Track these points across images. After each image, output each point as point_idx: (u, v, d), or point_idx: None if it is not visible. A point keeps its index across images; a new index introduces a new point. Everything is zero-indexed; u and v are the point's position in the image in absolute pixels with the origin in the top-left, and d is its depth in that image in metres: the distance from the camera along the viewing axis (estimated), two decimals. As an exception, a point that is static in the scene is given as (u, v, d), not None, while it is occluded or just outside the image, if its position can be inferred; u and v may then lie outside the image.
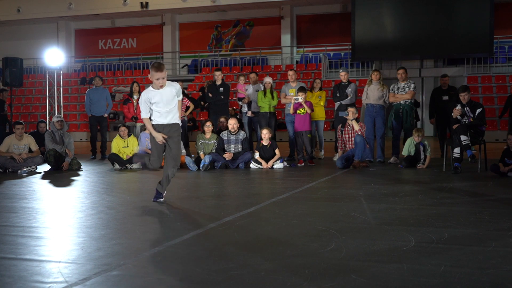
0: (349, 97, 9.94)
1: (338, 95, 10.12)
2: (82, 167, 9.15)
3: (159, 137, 5.35)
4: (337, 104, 10.19)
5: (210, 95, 10.63)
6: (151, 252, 3.43)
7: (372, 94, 9.68)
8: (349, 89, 9.99)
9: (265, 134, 9.04)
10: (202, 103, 13.49)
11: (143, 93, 5.42)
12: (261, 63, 21.84)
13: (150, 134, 5.45)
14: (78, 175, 8.29)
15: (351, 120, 8.85)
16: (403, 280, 2.84)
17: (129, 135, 9.62)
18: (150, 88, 5.40)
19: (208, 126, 9.30)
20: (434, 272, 2.96)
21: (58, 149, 9.13)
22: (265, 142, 9.04)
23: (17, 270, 3.09)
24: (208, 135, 9.25)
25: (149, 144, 9.65)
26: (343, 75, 10.16)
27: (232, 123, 9.14)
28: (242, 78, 11.63)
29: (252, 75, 11.11)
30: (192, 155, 9.50)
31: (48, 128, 10.46)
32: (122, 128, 9.58)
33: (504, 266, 3.07)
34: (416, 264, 3.14)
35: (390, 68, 19.26)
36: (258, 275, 2.95)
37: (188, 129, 11.62)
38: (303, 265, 3.11)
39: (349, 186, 6.91)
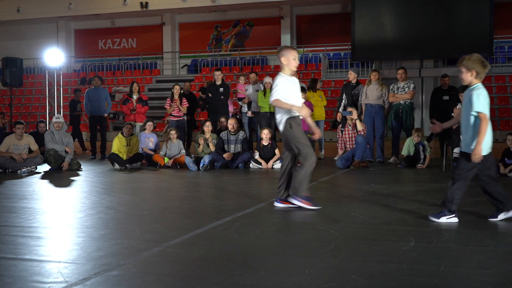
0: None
1: (343, 96, 10.11)
2: (82, 167, 9.15)
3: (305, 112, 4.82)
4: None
5: (210, 95, 10.63)
6: (151, 252, 3.43)
7: (371, 94, 9.69)
8: (356, 91, 10.01)
9: (266, 134, 9.04)
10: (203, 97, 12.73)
11: (281, 77, 4.88)
12: (261, 63, 21.84)
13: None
14: (78, 175, 8.29)
15: (355, 120, 8.85)
16: (403, 280, 2.84)
17: (131, 134, 9.62)
18: (282, 74, 4.96)
19: (208, 126, 9.30)
20: (434, 272, 2.96)
21: (58, 149, 9.13)
22: (265, 142, 9.04)
23: (17, 270, 3.09)
24: (207, 135, 9.25)
25: (149, 144, 9.75)
26: (349, 74, 10.24)
27: (232, 123, 9.14)
28: (242, 78, 11.64)
29: (252, 75, 11.13)
30: (192, 155, 9.50)
31: (48, 128, 10.46)
32: (129, 126, 9.55)
33: (504, 266, 3.07)
34: (416, 264, 3.14)
35: (390, 68, 19.26)
36: (258, 275, 2.95)
37: (188, 129, 11.60)
38: (303, 265, 3.11)
39: (349, 186, 6.91)
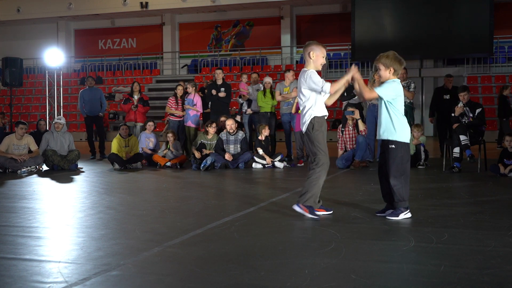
0: (356, 97, 10.01)
1: (345, 94, 10.14)
2: (80, 163, 9.17)
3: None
4: (344, 103, 10.23)
5: (213, 92, 10.59)
6: (151, 252, 3.43)
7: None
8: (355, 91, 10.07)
9: (266, 130, 9.20)
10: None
11: (314, 72, 4.56)
12: (261, 63, 21.84)
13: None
14: (78, 175, 8.29)
15: (357, 120, 8.84)
16: (403, 280, 2.84)
17: (129, 134, 9.61)
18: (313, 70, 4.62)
19: (214, 127, 9.29)
20: (434, 272, 2.96)
21: (57, 150, 9.13)
22: (262, 137, 9.19)
23: (17, 270, 3.09)
24: (210, 135, 9.25)
25: (149, 144, 9.76)
26: None
27: (230, 123, 9.14)
28: (244, 76, 11.61)
29: (254, 75, 11.17)
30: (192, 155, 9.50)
31: (48, 128, 10.46)
32: (125, 127, 9.55)
33: (504, 266, 3.07)
34: (416, 264, 3.14)
35: (390, 68, 19.24)
36: (258, 275, 2.94)
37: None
38: (303, 265, 3.11)
39: (349, 186, 6.91)
